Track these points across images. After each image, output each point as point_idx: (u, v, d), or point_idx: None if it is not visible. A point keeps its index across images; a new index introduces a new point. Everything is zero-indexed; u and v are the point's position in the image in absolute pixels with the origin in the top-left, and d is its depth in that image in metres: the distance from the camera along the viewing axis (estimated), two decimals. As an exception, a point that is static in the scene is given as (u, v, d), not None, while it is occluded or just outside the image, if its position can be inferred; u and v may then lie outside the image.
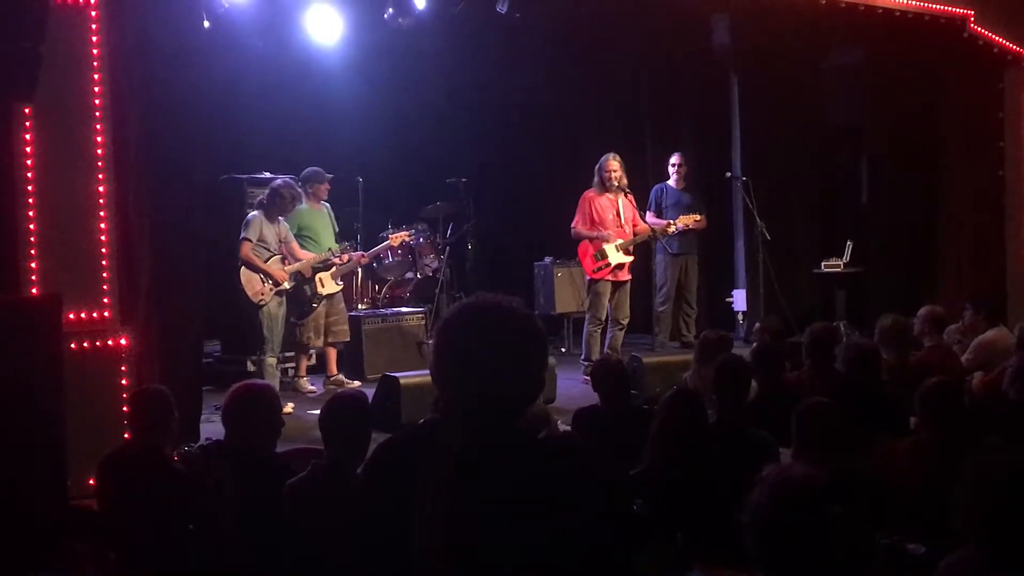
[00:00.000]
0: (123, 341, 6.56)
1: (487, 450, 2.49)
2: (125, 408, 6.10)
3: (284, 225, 9.44)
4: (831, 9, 10.24)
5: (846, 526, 2.98)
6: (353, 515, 3.95)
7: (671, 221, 10.55)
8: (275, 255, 9.25)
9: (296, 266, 9.38)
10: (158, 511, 4.79)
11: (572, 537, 2.42)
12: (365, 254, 10.42)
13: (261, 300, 9.13)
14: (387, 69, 11.56)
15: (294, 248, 9.43)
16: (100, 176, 6.54)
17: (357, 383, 9.66)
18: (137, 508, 4.83)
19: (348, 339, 10.07)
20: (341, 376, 9.82)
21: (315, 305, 9.62)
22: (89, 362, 6.37)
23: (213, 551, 4.63)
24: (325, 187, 9.95)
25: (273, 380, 9.03)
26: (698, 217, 10.78)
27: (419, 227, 11.85)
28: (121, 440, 5.88)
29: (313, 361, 10.11)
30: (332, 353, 9.88)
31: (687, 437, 4.61)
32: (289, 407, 8.57)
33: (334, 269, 9.69)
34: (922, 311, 7.83)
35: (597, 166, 10.05)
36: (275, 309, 9.21)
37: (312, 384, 9.74)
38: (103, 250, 6.54)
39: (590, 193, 10.10)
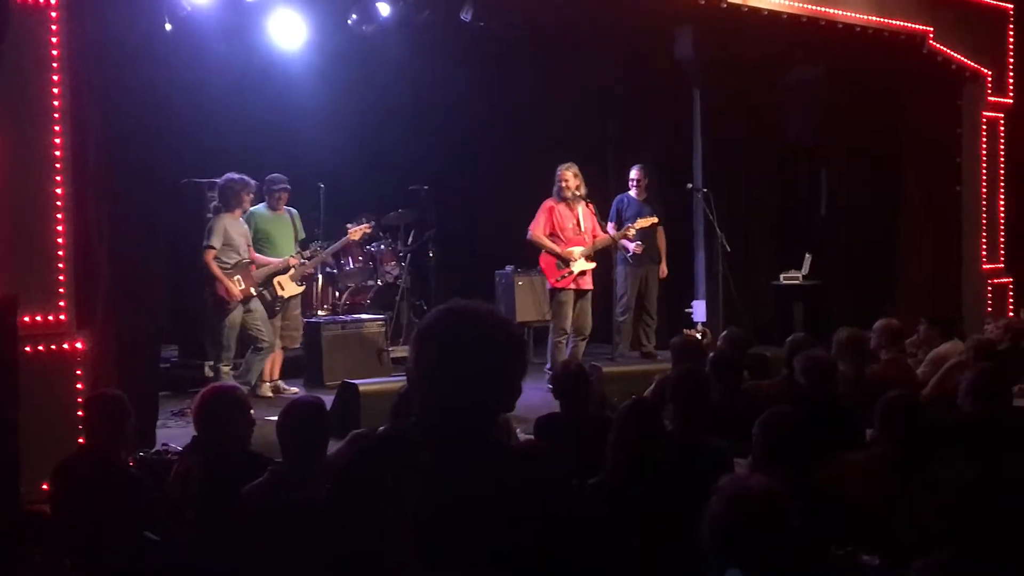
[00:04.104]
0: (79, 345, 6.51)
1: (461, 457, 2.49)
2: (80, 413, 6.04)
3: (246, 228, 9.38)
4: (793, 24, 10.34)
5: (802, 536, 3.00)
6: (310, 522, 3.94)
7: (629, 226, 10.56)
8: (243, 258, 9.18)
9: (263, 272, 9.32)
10: (113, 517, 4.75)
11: (544, 545, 2.43)
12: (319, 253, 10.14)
13: (227, 308, 9.08)
14: (350, 75, 11.53)
15: (251, 252, 9.39)
16: (58, 178, 6.49)
17: (295, 390, 9.58)
18: (92, 514, 4.78)
19: (298, 345, 10.02)
20: (280, 382, 9.72)
21: (278, 309, 9.58)
22: (44, 366, 6.32)
23: (171, 553, 4.62)
24: (277, 195, 9.83)
25: None
26: (655, 219, 10.79)
27: (380, 234, 11.84)
28: (76, 445, 5.82)
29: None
30: (279, 357, 9.81)
31: (644, 447, 4.62)
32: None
33: (292, 271, 9.64)
34: (878, 324, 7.89)
35: (558, 175, 10.05)
36: (238, 318, 9.15)
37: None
38: (60, 253, 6.49)
39: (550, 202, 10.11)
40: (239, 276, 9.14)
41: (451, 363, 2.52)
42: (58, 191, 6.48)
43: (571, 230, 10.07)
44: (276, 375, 9.76)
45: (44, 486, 5.46)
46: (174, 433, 7.68)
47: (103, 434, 5.19)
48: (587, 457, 4.86)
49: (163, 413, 8.07)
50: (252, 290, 9.20)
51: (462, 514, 2.43)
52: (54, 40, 6.48)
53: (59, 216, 6.49)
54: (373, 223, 10.96)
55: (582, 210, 10.13)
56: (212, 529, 4.51)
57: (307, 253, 9.90)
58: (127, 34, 6.85)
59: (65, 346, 6.46)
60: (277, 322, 9.66)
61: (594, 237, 10.19)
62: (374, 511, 2.49)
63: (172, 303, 8.80)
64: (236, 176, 9.31)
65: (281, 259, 9.60)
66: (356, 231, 10.34)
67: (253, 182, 9.41)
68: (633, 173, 11.17)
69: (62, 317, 6.49)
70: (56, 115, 6.48)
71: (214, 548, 4.47)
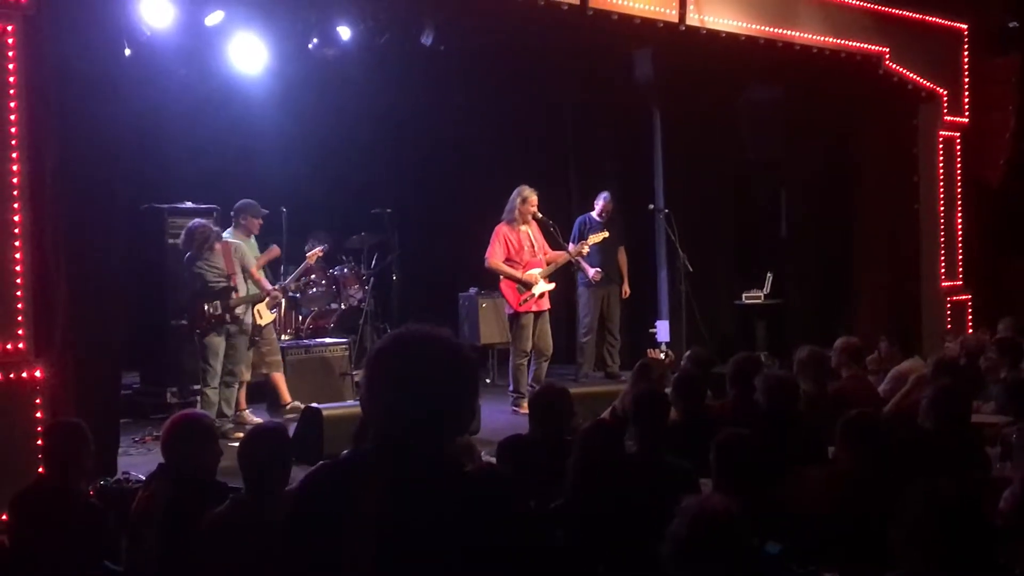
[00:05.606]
0: (38, 373, 6.44)
1: (415, 482, 2.50)
2: (39, 442, 5.97)
3: (242, 251, 9.27)
4: (750, 45, 10.43)
5: (763, 556, 3.01)
6: (272, 549, 3.92)
7: (583, 242, 10.59)
8: (223, 284, 9.04)
9: (244, 298, 9.20)
10: (73, 547, 4.69)
11: (498, 568, 2.43)
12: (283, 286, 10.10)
13: (206, 328, 8.98)
14: (311, 99, 11.52)
15: (253, 275, 9.30)
16: (15, 205, 6.43)
17: (257, 419, 9.49)
18: (51, 544, 4.72)
19: (281, 370, 9.92)
20: (245, 413, 9.62)
21: (257, 338, 9.50)
22: (3, 394, 6.26)
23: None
24: (258, 222, 9.81)
25: (211, 411, 8.74)
26: (605, 233, 10.83)
27: (343, 258, 11.82)
28: (35, 475, 5.75)
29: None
30: (243, 389, 9.67)
31: (605, 469, 4.62)
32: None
33: (268, 299, 9.57)
34: (837, 343, 7.96)
35: (519, 199, 10.02)
36: (216, 339, 9.04)
37: (255, 415, 9.60)
38: (18, 280, 6.43)
39: (503, 227, 10.11)
40: (217, 301, 9.04)
41: (403, 388, 2.53)
42: (15, 218, 6.42)
43: (527, 252, 10.09)
44: (243, 404, 9.68)
45: (3, 516, 5.39)
46: (135, 461, 7.62)
47: (63, 463, 5.13)
48: (556, 478, 4.86)
49: (124, 441, 7.99)
50: (227, 315, 9.07)
51: (417, 538, 2.44)
52: (11, 67, 6.44)
53: (16, 243, 6.43)
54: (326, 246, 10.89)
55: (532, 230, 10.18)
56: (174, 557, 4.47)
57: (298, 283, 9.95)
58: (86, 59, 6.80)
59: (24, 374, 6.39)
60: (251, 353, 9.58)
61: (544, 254, 10.22)
62: (332, 534, 2.49)
63: (133, 329, 8.69)
64: (206, 225, 9.17)
65: (268, 288, 9.49)
66: (311, 255, 10.31)
67: (216, 229, 9.30)
68: (599, 203, 11.22)
69: (21, 345, 6.43)
70: (13, 142, 6.43)
71: (178, 562, 4.43)
